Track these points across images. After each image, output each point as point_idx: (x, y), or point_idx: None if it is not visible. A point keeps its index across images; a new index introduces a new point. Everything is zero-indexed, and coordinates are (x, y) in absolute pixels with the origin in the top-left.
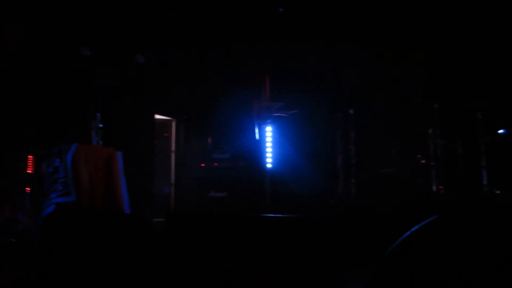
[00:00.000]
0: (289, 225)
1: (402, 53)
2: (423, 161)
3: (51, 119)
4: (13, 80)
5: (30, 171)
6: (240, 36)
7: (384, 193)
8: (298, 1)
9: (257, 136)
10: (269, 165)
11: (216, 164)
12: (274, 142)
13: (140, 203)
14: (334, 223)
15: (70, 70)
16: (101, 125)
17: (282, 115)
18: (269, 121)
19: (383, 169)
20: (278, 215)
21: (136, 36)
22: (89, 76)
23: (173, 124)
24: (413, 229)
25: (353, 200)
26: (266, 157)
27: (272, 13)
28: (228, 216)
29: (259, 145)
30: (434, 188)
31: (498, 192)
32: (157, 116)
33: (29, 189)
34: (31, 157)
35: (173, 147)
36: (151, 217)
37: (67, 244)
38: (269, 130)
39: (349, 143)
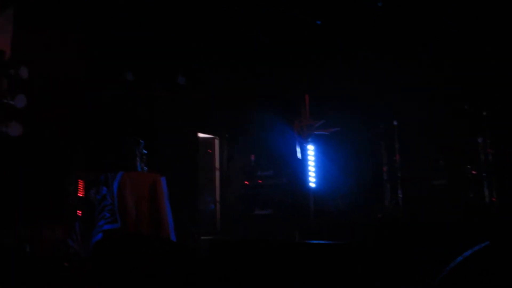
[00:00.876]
0: (334, 252)
1: (447, 59)
2: (473, 172)
3: (98, 145)
4: (64, 108)
5: (81, 195)
6: (281, 56)
7: (433, 206)
8: (337, 15)
9: (299, 154)
10: (312, 184)
11: (260, 181)
12: (316, 159)
13: (186, 221)
14: (382, 246)
15: (114, 95)
16: (145, 151)
17: (323, 133)
18: (310, 139)
19: (431, 180)
20: (321, 242)
21: (178, 57)
22: (133, 99)
23: (216, 142)
24: (465, 254)
25: (401, 214)
26: (308, 175)
27: (311, 30)
28: (272, 242)
29: (301, 163)
30: (487, 200)
31: None
32: (200, 135)
33: (80, 212)
34: (81, 181)
35: (217, 165)
36: (198, 235)
37: (116, 272)
38: (311, 148)
39: (394, 155)
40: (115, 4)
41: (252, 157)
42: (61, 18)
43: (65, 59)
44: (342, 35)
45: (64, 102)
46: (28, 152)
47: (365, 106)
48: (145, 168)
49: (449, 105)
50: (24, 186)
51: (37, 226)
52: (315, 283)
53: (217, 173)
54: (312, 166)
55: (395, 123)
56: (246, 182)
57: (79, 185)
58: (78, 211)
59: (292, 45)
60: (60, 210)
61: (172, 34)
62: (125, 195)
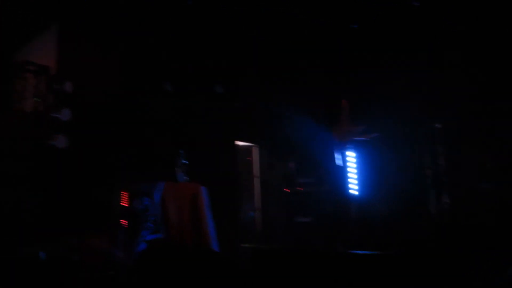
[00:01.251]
0: (379, 262)
1: (491, 59)
2: None
3: (140, 156)
4: (106, 120)
5: (124, 205)
6: (319, 61)
7: (482, 212)
8: (376, 17)
9: (339, 161)
10: (354, 192)
11: (300, 188)
12: (357, 165)
13: (226, 229)
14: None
15: (154, 107)
16: (185, 161)
17: (364, 139)
18: (350, 145)
19: (478, 184)
20: (363, 252)
21: (216, 66)
22: (172, 110)
23: (255, 150)
24: None
25: (448, 220)
26: (349, 182)
27: (348, 34)
28: (314, 251)
29: (342, 169)
30: None
31: None
32: (239, 143)
33: (125, 222)
34: (125, 192)
35: (256, 173)
36: (238, 243)
37: (159, 281)
38: (351, 154)
39: (437, 159)
40: (153, 18)
41: (292, 164)
42: (102, 33)
43: (107, 72)
44: (379, 39)
45: (106, 114)
46: (74, 164)
47: (406, 109)
48: (186, 178)
49: (494, 105)
50: (71, 198)
51: (84, 236)
52: None
53: (257, 181)
54: (353, 173)
55: (438, 126)
56: (286, 190)
57: (123, 196)
58: (122, 221)
59: (331, 50)
60: (105, 221)
61: (209, 43)
62: (167, 205)
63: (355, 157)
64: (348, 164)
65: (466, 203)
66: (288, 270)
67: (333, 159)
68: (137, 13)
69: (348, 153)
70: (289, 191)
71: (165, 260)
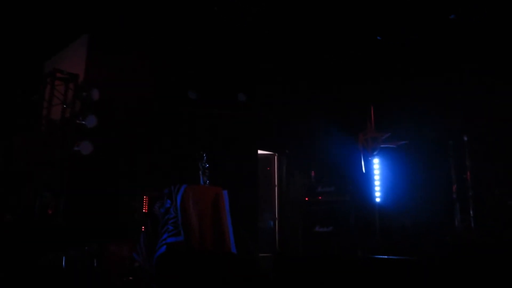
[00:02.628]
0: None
1: None
2: None
3: (163, 162)
4: (131, 127)
5: (145, 211)
6: (344, 70)
7: (509, 228)
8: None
9: (363, 169)
10: (377, 199)
11: (320, 198)
12: (382, 174)
13: (245, 238)
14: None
15: (177, 114)
16: (207, 165)
17: (390, 146)
18: (375, 153)
19: (507, 200)
20: (387, 257)
21: (239, 76)
22: (195, 118)
23: (275, 158)
24: None
25: (473, 235)
26: (373, 190)
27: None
28: (335, 258)
29: (365, 178)
30: None
31: None
32: (260, 152)
33: (143, 228)
34: (146, 198)
35: (276, 182)
36: (257, 252)
37: (178, 285)
38: (376, 162)
39: (464, 173)
40: (179, 28)
41: (313, 173)
42: (130, 43)
43: (133, 80)
44: (411, 48)
45: (131, 121)
46: (98, 170)
47: (434, 120)
48: (207, 181)
49: None
50: (93, 204)
51: (105, 242)
52: None
53: (276, 190)
54: (378, 180)
55: (465, 138)
56: (306, 199)
57: (145, 201)
58: (143, 227)
59: (355, 60)
60: (126, 227)
61: (233, 53)
62: (188, 208)
63: (379, 164)
64: (373, 171)
65: (492, 219)
66: (308, 276)
67: (355, 168)
68: (163, 23)
69: (373, 160)
70: (308, 200)
71: (185, 264)
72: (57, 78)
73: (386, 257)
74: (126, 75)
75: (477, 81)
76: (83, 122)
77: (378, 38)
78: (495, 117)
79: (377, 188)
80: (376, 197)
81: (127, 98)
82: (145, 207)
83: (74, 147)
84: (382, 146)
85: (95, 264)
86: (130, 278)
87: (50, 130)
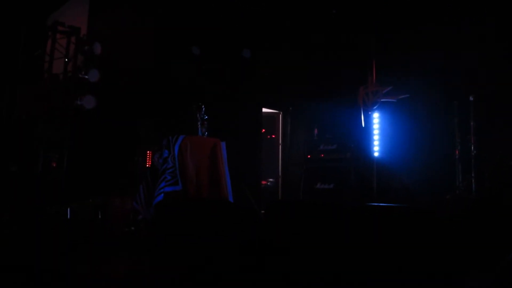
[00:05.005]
0: (398, 216)
1: None
2: None
3: (163, 115)
4: (133, 82)
5: (149, 165)
6: (345, 20)
7: (509, 189)
8: None
9: (363, 123)
10: (376, 154)
11: (322, 155)
12: (381, 129)
13: (248, 196)
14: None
15: (180, 69)
16: (206, 117)
17: (391, 100)
18: (376, 107)
19: (508, 161)
20: (380, 204)
21: (243, 31)
22: (198, 73)
23: (280, 117)
24: None
25: (474, 196)
26: (372, 145)
27: None
28: (329, 205)
29: (366, 134)
30: None
31: None
32: (264, 109)
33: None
34: (149, 152)
35: (279, 140)
36: (259, 208)
37: (175, 232)
38: (376, 116)
39: (467, 133)
40: None
41: (315, 131)
42: None
43: (135, 35)
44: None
45: (133, 76)
46: (100, 124)
47: (439, 78)
48: (206, 133)
49: None
50: (97, 158)
51: (109, 195)
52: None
53: (280, 148)
54: (377, 135)
55: (471, 98)
56: (308, 156)
57: (148, 156)
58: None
59: (362, 10)
60: (130, 181)
61: (237, 8)
62: (185, 158)
63: (379, 118)
64: (372, 126)
65: (493, 180)
66: (307, 221)
67: (357, 125)
68: None
69: (373, 115)
70: (310, 157)
71: (183, 211)
72: (59, 32)
73: (382, 204)
74: (128, 29)
75: (486, 42)
76: (86, 76)
77: None
78: (503, 78)
79: (376, 143)
80: (374, 151)
81: (130, 52)
82: (148, 162)
83: (76, 101)
84: (382, 100)
85: (99, 216)
86: (132, 228)
87: (53, 84)
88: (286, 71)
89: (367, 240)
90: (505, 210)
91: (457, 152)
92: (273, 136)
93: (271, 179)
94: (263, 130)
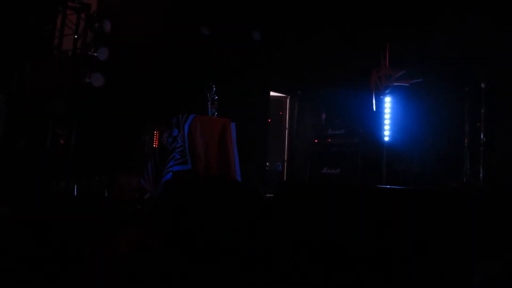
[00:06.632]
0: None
1: None
2: None
3: (173, 95)
4: (143, 61)
5: (156, 145)
6: (359, 4)
7: None
8: None
9: (374, 107)
10: (386, 138)
11: (329, 140)
12: (392, 114)
13: (253, 179)
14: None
15: (190, 47)
16: (216, 97)
17: (403, 84)
18: (388, 91)
19: None
20: (389, 186)
21: (252, 13)
22: (208, 53)
23: (287, 101)
24: None
25: (481, 184)
26: (383, 130)
27: None
28: (335, 186)
29: (376, 118)
30: None
31: None
32: (272, 93)
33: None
34: (157, 132)
35: (287, 124)
36: (264, 192)
37: (183, 209)
38: (387, 100)
39: (478, 120)
40: None
41: (323, 115)
42: None
43: (145, 14)
44: None
45: (143, 54)
46: (109, 103)
47: (451, 64)
48: (216, 113)
49: None
50: (105, 136)
51: (116, 174)
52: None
53: (287, 133)
54: (388, 119)
55: (482, 85)
56: (315, 141)
57: (155, 136)
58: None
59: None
60: (137, 160)
61: None
62: (195, 137)
63: (391, 103)
64: (383, 110)
65: (502, 168)
66: (313, 202)
67: (366, 110)
68: None
69: (385, 99)
70: (317, 142)
71: (190, 191)
72: (69, 7)
73: (390, 186)
74: (138, 8)
75: (498, 29)
76: (95, 54)
77: None
78: None
79: (387, 127)
80: (385, 136)
81: (139, 30)
82: (155, 141)
83: (85, 79)
84: (395, 84)
85: (106, 194)
86: (139, 207)
87: (62, 61)
88: (295, 55)
89: (374, 222)
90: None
91: (466, 140)
92: (280, 120)
93: (277, 163)
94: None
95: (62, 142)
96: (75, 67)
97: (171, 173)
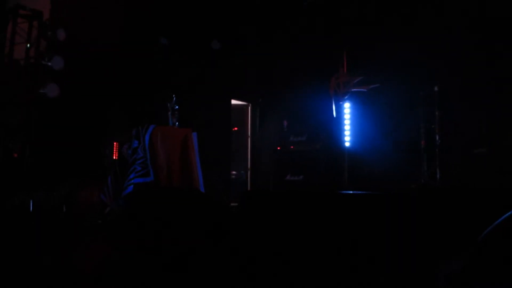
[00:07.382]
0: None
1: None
2: None
3: (132, 105)
4: (99, 71)
5: (116, 157)
6: (316, 12)
7: (474, 176)
8: None
9: (334, 113)
10: (347, 144)
11: (292, 147)
12: (352, 119)
13: (217, 188)
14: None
15: (148, 58)
16: (176, 107)
17: (362, 90)
18: (347, 97)
19: (472, 149)
20: (351, 192)
21: (211, 23)
22: (167, 62)
23: (249, 109)
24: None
25: (438, 184)
26: (343, 135)
27: None
28: (300, 193)
29: (336, 124)
30: None
31: None
32: (233, 101)
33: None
34: (116, 143)
35: (249, 133)
36: (228, 201)
37: (146, 223)
38: (347, 106)
39: (433, 123)
40: None
41: (285, 123)
42: None
43: (101, 22)
44: None
45: (100, 64)
46: (65, 114)
47: (406, 68)
48: (177, 123)
49: (493, 70)
50: (62, 149)
51: (74, 188)
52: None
53: (249, 141)
54: (348, 125)
55: (436, 89)
56: (278, 148)
57: (115, 148)
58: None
59: (329, 4)
60: (96, 173)
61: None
62: (156, 148)
63: (350, 108)
64: (343, 116)
65: (457, 168)
66: (278, 211)
67: (327, 117)
68: None
69: (344, 105)
70: (280, 149)
71: (153, 203)
72: (20, 15)
73: (352, 192)
74: (94, 16)
75: (449, 33)
76: (49, 64)
77: None
78: (466, 69)
79: (347, 133)
80: (345, 141)
81: (95, 40)
82: (115, 153)
83: (39, 89)
84: (353, 90)
85: (64, 210)
86: (99, 221)
87: (14, 70)
88: (255, 63)
89: (339, 226)
90: (469, 196)
91: (422, 142)
92: (242, 128)
93: (240, 172)
94: (234, 126)
95: (15, 155)
96: (28, 77)
97: (132, 185)
